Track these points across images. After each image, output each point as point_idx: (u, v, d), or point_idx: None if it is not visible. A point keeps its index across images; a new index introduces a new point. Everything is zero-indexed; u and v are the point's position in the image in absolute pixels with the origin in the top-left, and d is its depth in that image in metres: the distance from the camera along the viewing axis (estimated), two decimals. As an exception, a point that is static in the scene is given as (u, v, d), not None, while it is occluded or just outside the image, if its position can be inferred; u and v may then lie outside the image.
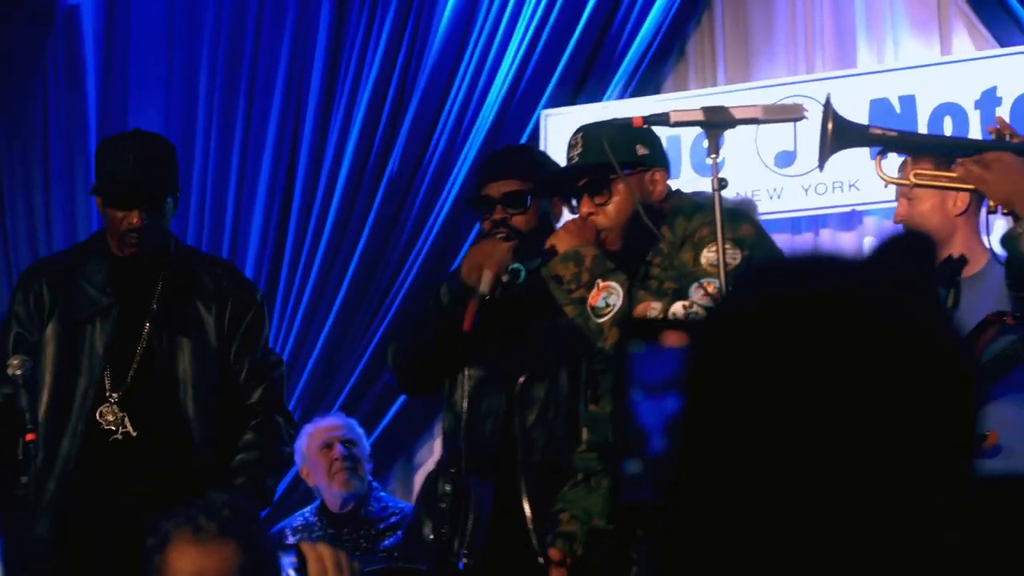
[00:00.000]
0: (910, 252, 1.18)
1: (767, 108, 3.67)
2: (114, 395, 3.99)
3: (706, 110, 3.50)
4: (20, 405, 3.77)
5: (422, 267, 6.20)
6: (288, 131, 6.82)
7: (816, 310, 1.10)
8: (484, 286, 3.76)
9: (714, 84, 6.14)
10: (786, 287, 1.14)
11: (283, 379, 4.27)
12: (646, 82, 6.14)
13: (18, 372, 3.79)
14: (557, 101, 6.22)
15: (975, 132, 5.53)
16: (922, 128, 5.64)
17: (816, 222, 5.85)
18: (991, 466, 3.99)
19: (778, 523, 1.08)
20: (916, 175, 3.79)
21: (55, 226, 6.96)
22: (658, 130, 3.72)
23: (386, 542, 5.21)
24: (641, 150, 3.71)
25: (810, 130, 5.38)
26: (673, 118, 3.47)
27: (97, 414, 3.99)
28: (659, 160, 3.75)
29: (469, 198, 4.26)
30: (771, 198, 5.79)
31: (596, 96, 6.15)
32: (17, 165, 7.11)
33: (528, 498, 3.86)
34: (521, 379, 3.97)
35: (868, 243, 5.77)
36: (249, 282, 4.36)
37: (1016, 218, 3.39)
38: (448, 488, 4.00)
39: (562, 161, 5.84)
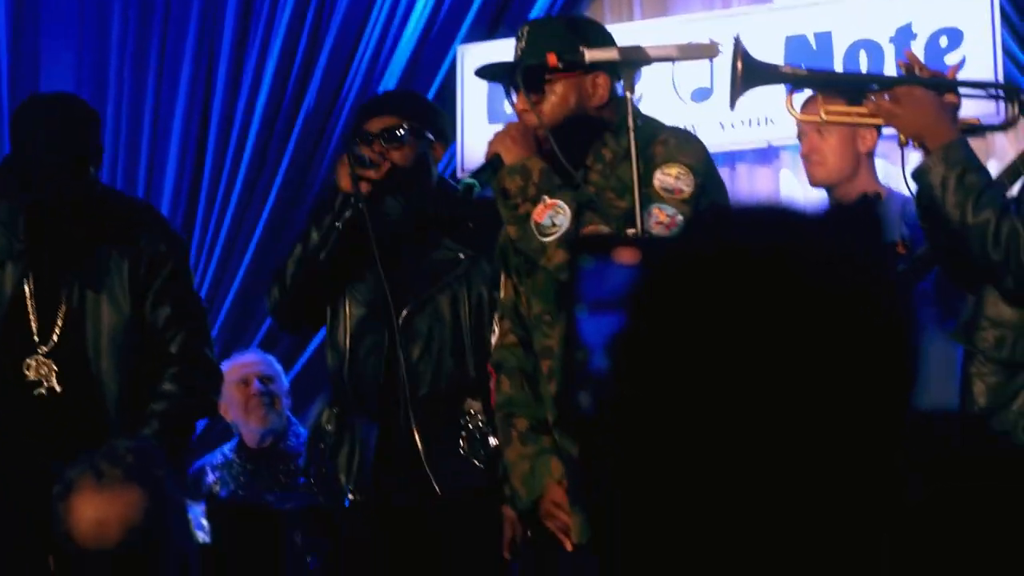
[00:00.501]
0: (866, 219, 1.23)
1: (682, 47, 3.71)
2: (43, 348, 3.94)
3: (621, 49, 3.48)
4: None
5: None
6: (203, 67, 6.78)
7: (768, 263, 1.13)
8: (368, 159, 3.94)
9: (630, 19, 6.15)
10: (745, 237, 1.17)
11: (206, 329, 4.23)
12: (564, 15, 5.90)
13: None
14: (474, 36, 6.20)
15: (890, 69, 5.55)
16: (838, 64, 5.70)
17: (732, 157, 5.86)
18: None
19: (713, 455, 1.11)
20: (827, 112, 3.80)
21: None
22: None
23: (304, 477, 5.09)
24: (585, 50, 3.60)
25: (726, 67, 5.61)
26: (588, 57, 3.44)
27: (24, 365, 3.93)
28: (605, 65, 3.60)
29: (347, 134, 4.29)
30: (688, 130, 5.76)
31: (514, 31, 5.77)
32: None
33: (419, 432, 3.89)
34: (404, 312, 3.98)
35: (783, 176, 5.87)
36: (170, 233, 4.23)
37: (926, 151, 3.43)
38: (330, 428, 4.07)
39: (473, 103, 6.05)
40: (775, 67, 3.86)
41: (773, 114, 5.51)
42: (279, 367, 5.63)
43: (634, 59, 3.48)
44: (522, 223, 3.48)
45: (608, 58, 3.47)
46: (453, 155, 6.09)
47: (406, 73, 6.35)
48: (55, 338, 3.92)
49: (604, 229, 3.42)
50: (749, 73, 3.62)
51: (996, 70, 5.48)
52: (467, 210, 4.01)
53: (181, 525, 2.72)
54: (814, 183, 4.40)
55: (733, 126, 5.74)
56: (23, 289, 3.93)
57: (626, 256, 1.25)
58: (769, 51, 5.66)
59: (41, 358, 3.92)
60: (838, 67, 5.69)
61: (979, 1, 5.54)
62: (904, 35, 5.66)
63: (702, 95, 5.77)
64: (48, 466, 3.58)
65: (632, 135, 3.35)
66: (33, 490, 3.60)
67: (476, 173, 3.59)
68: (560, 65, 3.45)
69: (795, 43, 5.79)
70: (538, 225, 3.45)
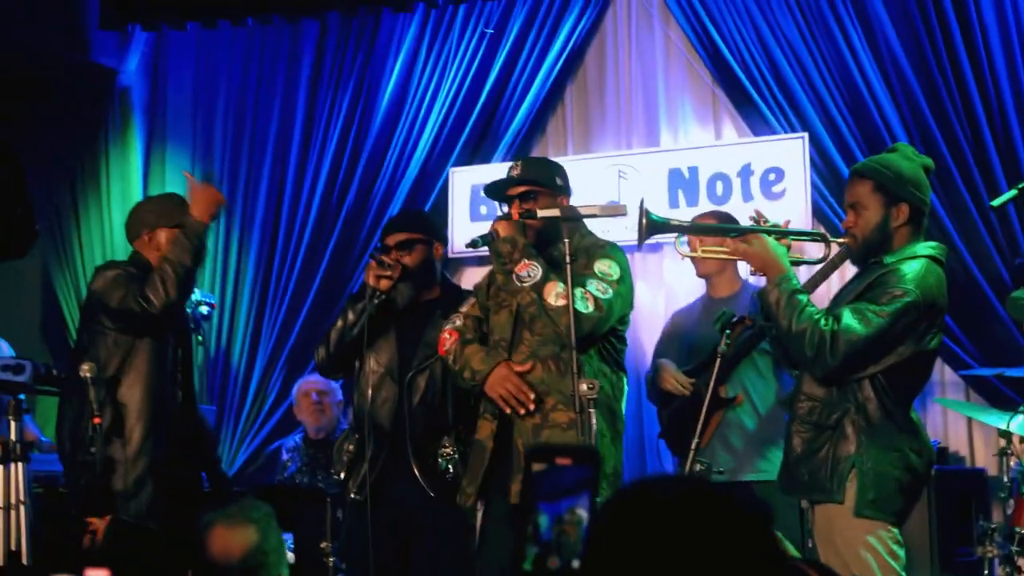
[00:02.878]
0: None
1: (602, 207, 4.14)
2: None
3: (562, 208, 4.00)
4: (89, 396, 4.16)
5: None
6: (276, 178, 7.55)
7: (684, 506, 1.37)
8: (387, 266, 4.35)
9: (565, 154, 6.92)
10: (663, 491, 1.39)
11: None
12: (522, 149, 6.92)
13: (88, 375, 4.17)
14: (460, 161, 7.01)
15: (736, 194, 6.41)
16: (702, 190, 6.48)
17: (631, 248, 5.55)
18: (742, 415, 4.78)
19: None
20: (703, 250, 4.28)
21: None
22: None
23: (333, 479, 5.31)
24: (559, 180, 4.19)
25: (629, 187, 6.50)
26: (540, 214, 3.99)
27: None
28: (567, 190, 4.24)
29: (376, 247, 4.56)
30: (603, 233, 5.45)
31: (487, 159, 6.98)
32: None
33: (414, 457, 4.34)
34: (410, 373, 4.40)
35: (666, 264, 6.59)
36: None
37: (768, 279, 3.73)
38: (350, 448, 4.49)
39: (460, 207, 6.70)
40: (667, 221, 4.08)
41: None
42: (335, 385, 6.17)
43: (571, 215, 3.94)
44: (508, 275, 3.97)
45: (553, 215, 3.96)
46: (446, 242, 6.57)
47: (415, 185, 7.10)
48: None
49: (560, 288, 3.80)
50: (651, 226, 3.90)
51: (807, 198, 6.23)
52: (458, 299, 4.41)
53: (279, 549, 3.07)
54: (699, 275, 4.98)
55: (632, 228, 5.19)
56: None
57: (564, 461, 1.38)
58: (656, 178, 6.55)
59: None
60: (702, 191, 6.47)
61: (795, 150, 6.30)
62: (746, 171, 6.41)
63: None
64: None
65: (568, 260, 3.78)
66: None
67: (481, 236, 4.02)
68: (519, 218, 3.98)
69: (674, 173, 6.59)
70: (518, 276, 3.94)
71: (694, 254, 4.38)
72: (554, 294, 3.87)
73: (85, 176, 7.67)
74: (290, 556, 4.92)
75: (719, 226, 4.65)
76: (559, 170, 4.27)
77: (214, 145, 7.74)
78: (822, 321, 3.61)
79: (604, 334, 4.02)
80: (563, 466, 1.38)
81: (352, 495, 4.46)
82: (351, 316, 4.45)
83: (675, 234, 4.20)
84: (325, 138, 7.40)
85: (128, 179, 7.68)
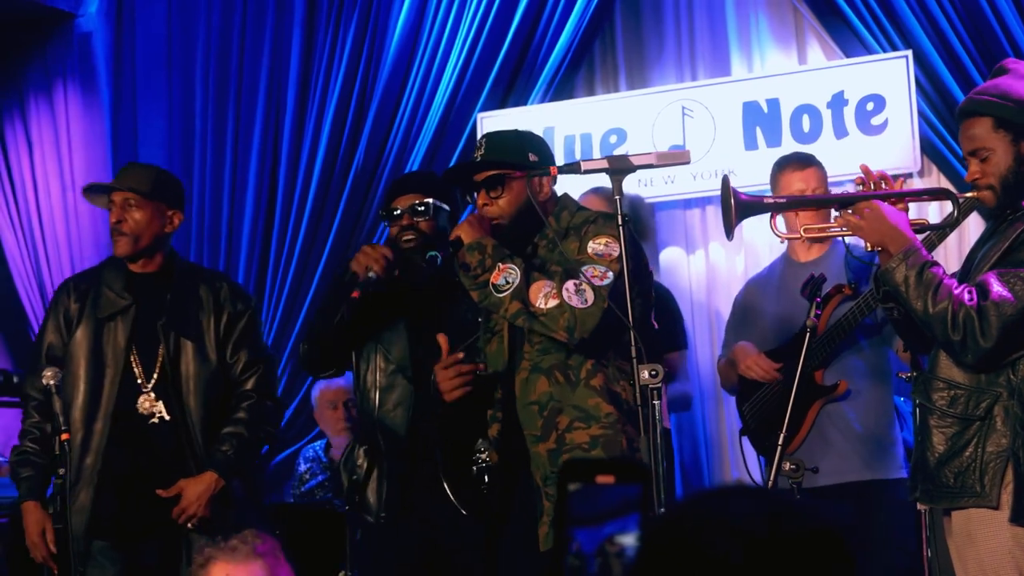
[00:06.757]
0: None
1: (660, 155, 3.95)
2: (147, 386, 4.50)
3: (610, 159, 3.76)
4: (54, 410, 4.14)
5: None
6: (270, 137, 7.37)
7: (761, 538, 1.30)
8: (373, 274, 4.10)
9: (617, 90, 6.71)
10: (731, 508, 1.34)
11: (273, 371, 4.69)
12: (562, 88, 6.69)
13: (51, 382, 4.16)
14: (490, 105, 6.80)
15: (828, 129, 6.21)
16: (785, 126, 6.30)
17: (703, 201, 6.45)
18: (845, 406, 4.68)
19: None
20: (805, 229, 4.14)
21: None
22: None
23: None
24: (532, 156, 3.98)
25: (696, 127, 6.26)
26: (583, 167, 3.74)
27: (136, 402, 4.47)
28: (548, 162, 3.98)
29: (382, 211, 4.43)
30: (666, 183, 6.40)
31: (522, 100, 6.72)
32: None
33: (445, 469, 4.15)
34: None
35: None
36: (243, 293, 4.74)
37: (888, 255, 3.62)
38: (361, 463, 4.38)
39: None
40: (760, 200, 3.99)
41: (733, 167, 6.12)
42: None
43: (620, 167, 3.73)
44: (482, 288, 3.83)
45: (600, 168, 3.75)
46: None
47: (436, 136, 6.82)
48: (155, 377, 4.50)
49: (549, 284, 3.73)
50: (740, 208, 3.78)
51: (913, 130, 6.02)
52: None
53: None
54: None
55: (703, 176, 6.32)
56: (130, 339, 4.49)
57: (604, 479, 1.34)
58: (728, 115, 6.37)
59: (148, 395, 4.49)
60: (785, 128, 6.31)
61: (897, 73, 6.06)
62: (838, 101, 6.20)
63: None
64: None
65: (621, 220, 3.64)
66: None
67: (449, 246, 3.92)
68: (558, 173, 3.82)
69: (750, 108, 6.34)
70: (495, 286, 3.79)
71: (795, 236, 4.23)
72: (542, 296, 3.75)
73: (43, 144, 7.49)
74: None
75: (821, 198, 4.49)
76: (533, 143, 4.08)
77: (194, 99, 7.46)
78: (965, 295, 3.46)
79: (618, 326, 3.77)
80: (603, 485, 1.32)
81: (370, 517, 4.36)
82: (334, 303, 4.33)
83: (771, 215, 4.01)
84: (326, 85, 7.16)
85: (93, 146, 7.42)
